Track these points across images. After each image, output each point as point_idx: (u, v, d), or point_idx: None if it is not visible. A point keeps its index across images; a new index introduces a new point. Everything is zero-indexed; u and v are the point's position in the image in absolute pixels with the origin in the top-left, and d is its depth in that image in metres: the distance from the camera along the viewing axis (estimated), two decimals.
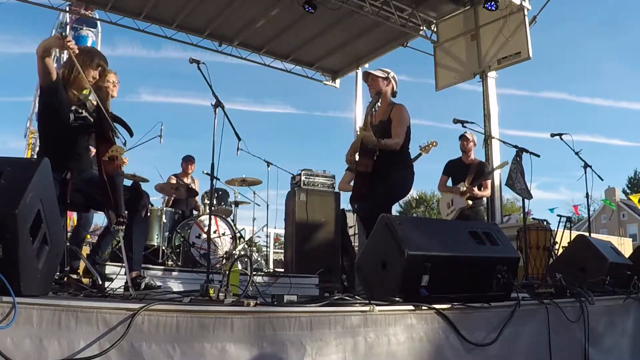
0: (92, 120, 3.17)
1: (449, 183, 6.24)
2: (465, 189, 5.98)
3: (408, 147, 4.13)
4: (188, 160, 7.43)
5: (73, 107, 3.09)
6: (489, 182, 6.15)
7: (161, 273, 4.83)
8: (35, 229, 1.96)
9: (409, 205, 46.64)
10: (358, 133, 4.05)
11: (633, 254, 4.87)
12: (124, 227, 3.10)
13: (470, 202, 5.96)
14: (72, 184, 3.08)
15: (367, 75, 4.17)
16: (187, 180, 7.35)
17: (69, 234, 4.22)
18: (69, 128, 3.10)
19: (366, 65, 11.12)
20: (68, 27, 9.43)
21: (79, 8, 8.99)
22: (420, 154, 5.43)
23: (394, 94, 4.17)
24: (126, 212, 3.17)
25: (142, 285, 3.12)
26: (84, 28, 9.34)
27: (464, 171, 6.08)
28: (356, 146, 4.16)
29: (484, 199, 6.31)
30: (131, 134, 3.48)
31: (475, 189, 5.95)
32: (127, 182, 3.61)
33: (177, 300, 2.32)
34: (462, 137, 6.14)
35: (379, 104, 4.17)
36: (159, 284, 3.52)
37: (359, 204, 4.36)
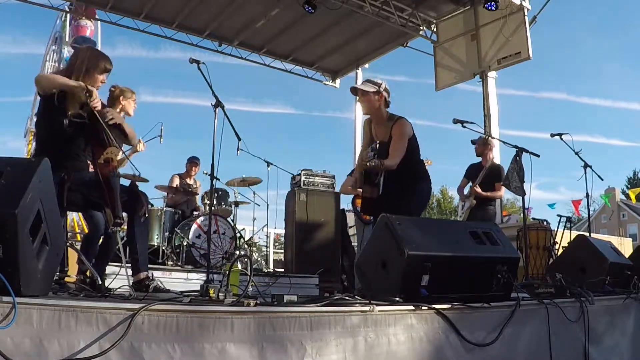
0: (87, 123, 3.14)
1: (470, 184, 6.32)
2: (470, 190, 6.06)
3: (417, 158, 3.92)
4: (192, 162, 7.41)
5: (70, 112, 3.06)
6: (502, 184, 6.12)
7: (161, 273, 4.83)
8: (35, 229, 1.96)
9: None
10: (361, 167, 3.82)
11: (633, 254, 4.87)
12: (121, 228, 3.09)
13: (474, 201, 6.00)
14: (69, 186, 3.07)
15: (354, 91, 3.88)
16: (189, 181, 7.36)
17: (69, 234, 4.22)
18: (63, 132, 3.08)
19: (366, 66, 11.14)
20: (68, 27, 9.46)
21: (80, 9, 9.00)
22: None
23: (387, 104, 3.87)
24: (125, 213, 3.17)
25: (151, 288, 3.11)
26: (83, 19, 9.37)
27: (478, 173, 6.14)
28: (364, 155, 3.97)
29: (495, 201, 6.27)
30: (126, 137, 3.47)
31: (478, 188, 5.97)
32: (127, 182, 3.62)
33: (177, 300, 2.32)
34: (473, 142, 6.20)
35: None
36: (167, 288, 3.49)
37: (369, 213, 4.26)
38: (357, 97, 3.91)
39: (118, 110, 3.89)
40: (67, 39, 9.29)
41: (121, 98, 4.03)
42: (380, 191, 3.83)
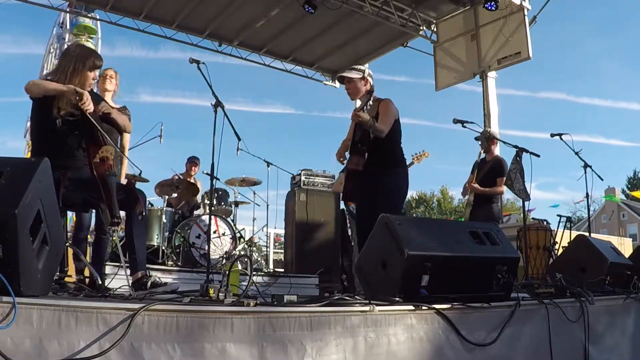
0: (79, 121, 3.12)
1: None
2: (468, 186, 6.01)
3: (400, 143, 4.02)
4: (192, 161, 7.39)
5: (62, 112, 3.06)
6: (503, 179, 5.81)
7: (161, 273, 4.83)
8: (35, 229, 1.96)
9: (409, 205, 46.70)
10: (351, 118, 3.88)
11: (633, 254, 4.87)
12: (118, 227, 3.09)
13: (472, 197, 5.96)
14: (65, 186, 3.06)
15: (342, 79, 4.03)
16: (189, 181, 7.34)
17: (69, 234, 4.21)
18: (56, 131, 3.08)
19: (366, 65, 11.11)
20: (67, 21, 9.48)
21: (73, 6, 9.00)
22: (412, 163, 5.49)
23: (372, 89, 4.01)
24: (123, 212, 3.17)
25: (149, 285, 3.11)
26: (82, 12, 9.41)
27: (483, 169, 6.07)
28: (347, 143, 4.07)
29: (498, 199, 6.10)
30: (120, 133, 3.47)
31: (475, 184, 5.93)
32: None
33: (177, 300, 2.32)
34: (477, 139, 6.12)
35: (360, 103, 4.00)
36: (165, 281, 3.49)
37: (352, 201, 4.33)
38: (345, 85, 4.02)
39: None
40: (67, 40, 9.30)
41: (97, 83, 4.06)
42: (364, 166, 3.86)
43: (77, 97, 2.96)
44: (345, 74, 4.01)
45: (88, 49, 3.44)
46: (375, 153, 3.83)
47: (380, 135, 3.76)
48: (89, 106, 3.01)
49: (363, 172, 3.87)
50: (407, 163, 4.41)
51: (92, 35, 9.18)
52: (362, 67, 4.05)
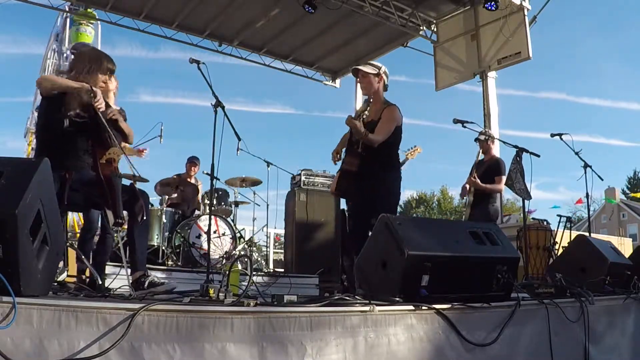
0: (88, 123, 3.13)
1: None
2: (468, 182, 6.00)
3: (397, 149, 4.04)
4: (192, 161, 7.38)
5: (71, 113, 3.06)
6: (502, 178, 5.92)
7: (161, 273, 4.82)
8: (35, 229, 1.96)
9: (409, 205, 46.74)
10: (346, 122, 3.88)
11: (633, 254, 4.86)
12: (121, 228, 3.09)
13: (471, 197, 5.97)
14: (70, 185, 3.07)
15: (356, 72, 4.05)
16: (190, 181, 7.34)
17: (69, 234, 4.22)
18: (63, 131, 3.08)
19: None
20: (68, 22, 9.49)
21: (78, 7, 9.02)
22: (406, 159, 5.49)
23: (385, 88, 4.04)
24: (125, 212, 3.17)
25: (146, 284, 3.11)
26: (83, 25, 9.43)
27: (481, 169, 6.08)
28: (344, 142, 4.08)
29: (495, 199, 6.12)
30: (125, 139, 3.48)
31: (477, 179, 5.92)
32: (127, 182, 3.61)
33: (177, 300, 2.32)
34: (476, 140, 6.14)
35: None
36: (162, 281, 3.50)
37: (346, 198, 4.33)
38: (357, 79, 4.05)
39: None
40: (66, 43, 9.30)
41: None
42: (358, 167, 3.88)
43: (92, 95, 2.98)
44: (360, 67, 4.03)
45: (102, 52, 3.46)
46: (372, 155, 3.83)
47: (371, 145, 3.78)
48: (101, 105, 3.03)
49: (358, 174, 3.88)
50: (402, 160, 4.45)
51: (92, 21, 9.16)
52: (378, 64, 4.05)
